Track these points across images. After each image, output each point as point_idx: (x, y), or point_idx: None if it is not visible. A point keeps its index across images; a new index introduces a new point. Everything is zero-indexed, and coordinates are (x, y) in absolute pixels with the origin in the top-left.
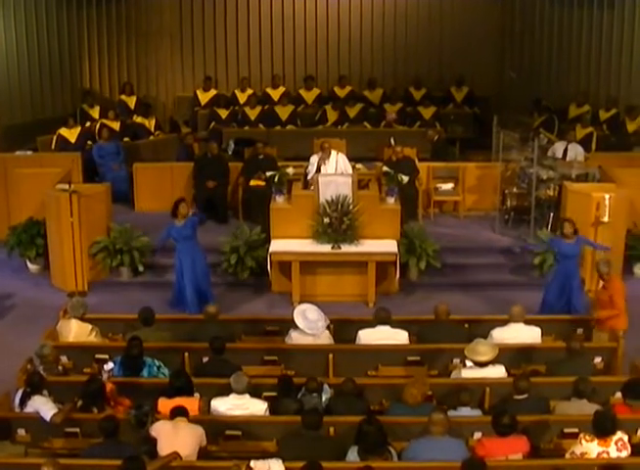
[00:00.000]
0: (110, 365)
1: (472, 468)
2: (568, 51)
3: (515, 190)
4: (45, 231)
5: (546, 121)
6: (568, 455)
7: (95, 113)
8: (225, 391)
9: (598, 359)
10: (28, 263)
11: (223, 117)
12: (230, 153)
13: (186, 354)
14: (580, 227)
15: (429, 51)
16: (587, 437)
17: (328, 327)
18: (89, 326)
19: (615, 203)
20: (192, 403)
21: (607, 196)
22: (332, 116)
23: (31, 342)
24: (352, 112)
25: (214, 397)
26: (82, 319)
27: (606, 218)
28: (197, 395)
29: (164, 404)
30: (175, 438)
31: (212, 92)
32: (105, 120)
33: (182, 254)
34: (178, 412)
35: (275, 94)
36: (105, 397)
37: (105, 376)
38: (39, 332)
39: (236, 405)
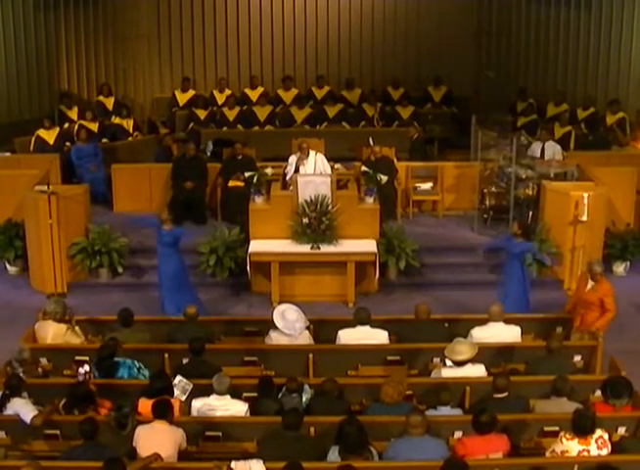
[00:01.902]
0: (85, 368)
1: (453, 468)
2: (545, 50)
3: (493, 189)
4: (24, 233)
5: (530, 123)
6: (548, 454)
7: (73, 114)
8: (205, 392)
9: (578, 358)
10: (7, 265)
11: (201, 117)
12: (208, 154)
13: (166, 356)
14: (559, 226)
15: (406, 51)
16: (568, 435)
17: (308, 327)
18: (64, 326)
19: (593, 201)
20: (173, 404)
21: (585, 195)
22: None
23: (10, 344)
24: (332, 111)
25: (195, 397)
26: (58, 320)
27: (584, 217)
28: (177, 392)
29: (145, 405)
30: (155, 440)
31: (190, 93)
32: (83, 122)
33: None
34: (160, 413)
35: (253, 95)
36: (92, 401)
37: (80, 379)
38: (18, 334)
39: (216, 406)
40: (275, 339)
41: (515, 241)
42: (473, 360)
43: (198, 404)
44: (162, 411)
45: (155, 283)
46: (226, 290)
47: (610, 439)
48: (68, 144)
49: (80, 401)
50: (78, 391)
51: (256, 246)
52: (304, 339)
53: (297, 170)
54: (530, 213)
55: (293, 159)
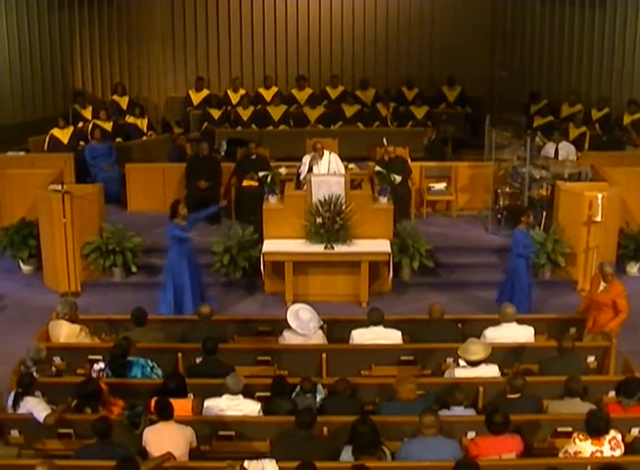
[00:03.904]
0: (100, 365)
1: (464, 469)
2: (559, 50)
3: (507, 189)
4: (37, 232)
5: (546, 125)
6: (561, 454)
7: (87, 113)
8: (218, 391)
9: (591, 359)
10: (21, 264)
11: (215, 117)
12: (222, 153)
13: (179, 355)
14: (573, 226)
15: (420, 51)
16: (581, 436)
17: (321, 327)
18: (78, 327)
19: (607, 202)
20: (185, 404)
21: (599, 195)
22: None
23: (24, 343)
24: (350, 111)
25: (207, 397)
26: (72, 320)
27: (598, 218)
28: (190, 395)
29: None
30: (165, 440)
31: (205, 92)
32: (97, 121)
33: (182, 254)
34: (162, 415)
35: (267, 94)
36: (100, 398)
37: (94, 376)
38: (32, 333)
39: (229, 406)
40: (289, 338)
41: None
42: (486, 360)
43: (209, 404)
44: (164, 412)
45: None
46: (239, 289)
47: (623, 440)
48: (82, 143)
49: (89, 400)
50: (86, 389)
51: (270, 245)
52: (318, 339)
53: (310, 170)
54: (544, 214)
55: (306, 158)
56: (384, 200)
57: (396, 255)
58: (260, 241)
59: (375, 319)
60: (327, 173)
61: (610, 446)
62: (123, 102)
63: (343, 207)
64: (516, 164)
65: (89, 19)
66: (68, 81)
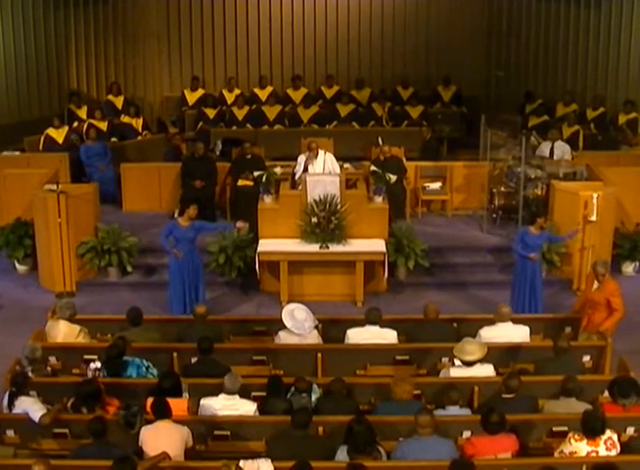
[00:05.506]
0: (97, 364)
1: (459, 469)
2: (554, 50)
3: (503, 189)
4: (33, 232)
5: (541, 124)
6: (557, 454)
7: (82, 113)
8: (214, 391)
9: (587, 358)
10: (16, 264)
11: (211, 116)
12: (217, 153)
13: (174, 355)
14: (568, 226)
15: (416, 50)
16: (576, 436)
17: (316, 327)
18: (77, 327)
19: (602, 201)
20: (181, 404)
21: (595, 195)
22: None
23: (19, 343)
24: (344, 110)
25: (203, 397)
26: (71, 320)
27: (594, 217)
28: (186, 395)
29: None
30: (161, 439)
31: (200, 92)
32: (92, 121)
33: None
34: (159, 413)
35: (262, 94)
36: (99, 399)
37: (90, 374)
38: (27, 333)
39: (225, 406)
40: (284, 338)
41: (534, 233)
42: (481, 360)
43: (205, 403)
44: (161, 411)
45: (164, 282)
46: (235, 289)
47: (619, 439)
48: (74, 137)
49: (88, 400)
50: (85, 389)
51: (265, 245)
52: (313, 338)
53: (305, 170)
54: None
55: (302, 158)
56: (379, 199)
57: (392, 254)
58: (256, 241)
59: (372, 319)
60: (322, 173)
61: (605, 447)
62: (118, 101)
63: (339, 206)
64: (511, 163)
65: (84, 18)
66: (64, 81)
